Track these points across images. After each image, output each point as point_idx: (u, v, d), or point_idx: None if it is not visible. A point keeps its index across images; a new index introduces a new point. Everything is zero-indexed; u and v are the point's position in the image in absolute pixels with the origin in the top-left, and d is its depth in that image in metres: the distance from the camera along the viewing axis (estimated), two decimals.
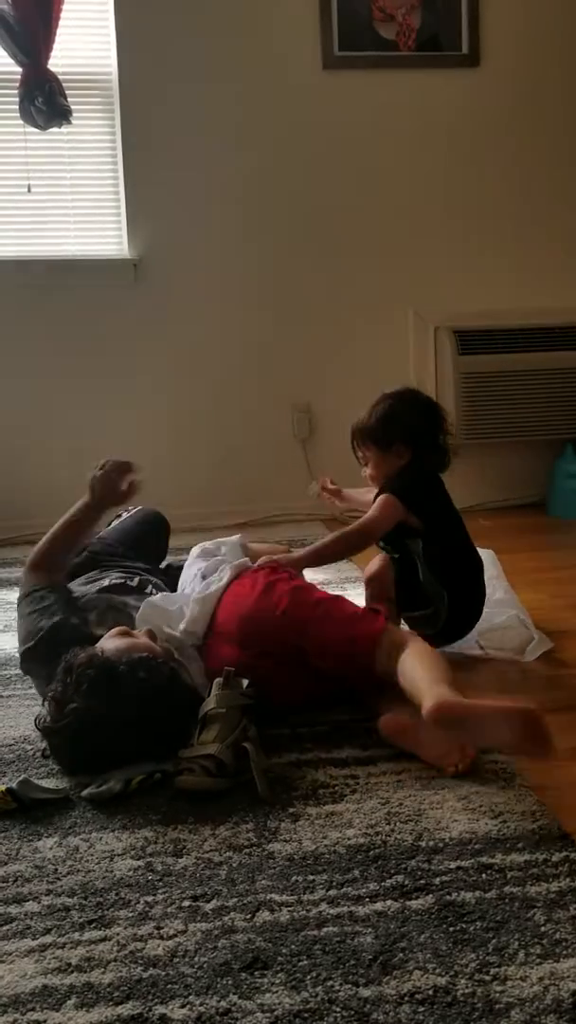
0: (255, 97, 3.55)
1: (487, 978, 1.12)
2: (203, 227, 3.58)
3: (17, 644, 2.02)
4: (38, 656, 1.89)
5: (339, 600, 1.91)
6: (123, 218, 3.57)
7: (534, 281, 3.78)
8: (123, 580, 2.17)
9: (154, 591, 2.18)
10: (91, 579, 2.20)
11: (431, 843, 1.41)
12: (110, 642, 1.79)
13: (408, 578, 2.15)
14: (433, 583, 2.12)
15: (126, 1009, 1.10)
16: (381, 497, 2.14)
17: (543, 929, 1.21)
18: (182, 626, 1.91)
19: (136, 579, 2.20)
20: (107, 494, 2.10)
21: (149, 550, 2.51)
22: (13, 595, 2.82)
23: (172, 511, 2.73)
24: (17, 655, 2.29)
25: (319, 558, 2.16)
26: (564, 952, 1.16)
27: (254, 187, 3.59)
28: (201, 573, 2.05)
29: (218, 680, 1.69)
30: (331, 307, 3.70)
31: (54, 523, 3.44)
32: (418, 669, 1.67)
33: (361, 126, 3.62)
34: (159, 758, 1.64)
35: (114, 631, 1.87)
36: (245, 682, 1.68)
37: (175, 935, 1.23)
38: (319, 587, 2.08)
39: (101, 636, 1.86)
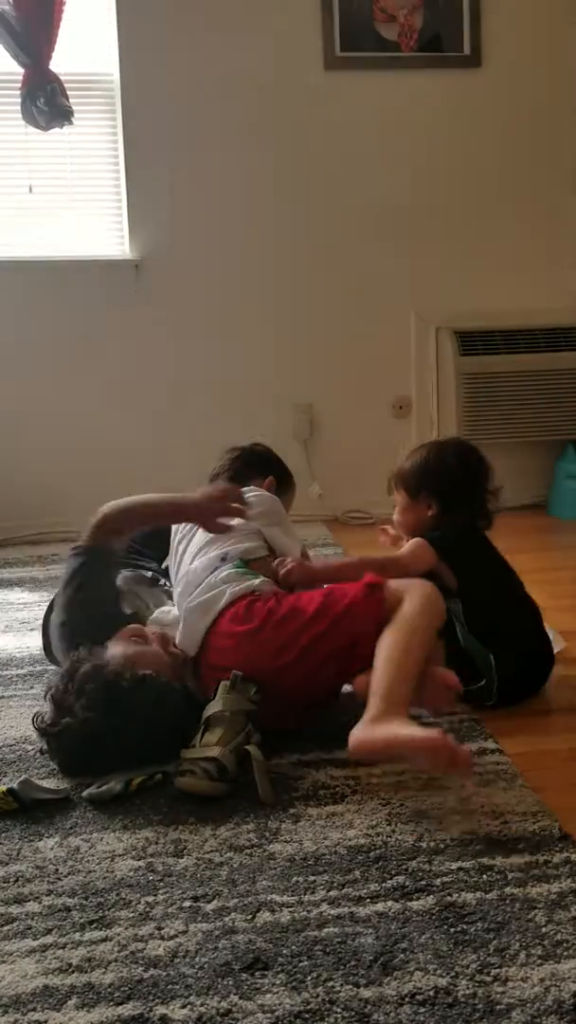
0: (257, 98, 3.55)
1: (488, 979, 1.12)
2: (204, 228, 3.58)
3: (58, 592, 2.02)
4: (75, 613, 1.90)
5: (326, 608, 1.75)
6: (124, 219, 3.57)
7: (535, 282, 3.78)
8: (139, 572, 2.20)
9: (166, 585, 2.19)
10: None
11: (432, 844, 1.41)
12: (119, 647, 1.78)
13: (450, 645, 1.93)
14: (478, 648, 1.92)
15: (127, 1009, 1.10)
16: (412, 540, 2.03)
17: (544, 930, 1.21)
18: (178, 639, 1.88)
19: (150, 573, 2.22)
20: (210, 508, 2.01)
21: (157, 547, 2.52)
22: (14, 595, 2.84)
23: None
24: (13, 652, 2.30)
25: (332, 576, 2.07)
26: (565, 953, 1.16)
27: (255, 188, 3.59)
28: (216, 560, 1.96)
29: (224, 683, 1.67)
30: (332, 307, 3.70)
31: (55, 523, 3.50)
32: (377, 665, 1.64)
33: (363, 127, 3.62)
34: (159, 761, 1.64)
35: (127, 632, 1.85)
36: (253, 688, 1.67)
37: (176, 935, 1.23)
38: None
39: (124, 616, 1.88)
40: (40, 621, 2.56)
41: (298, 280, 3.67)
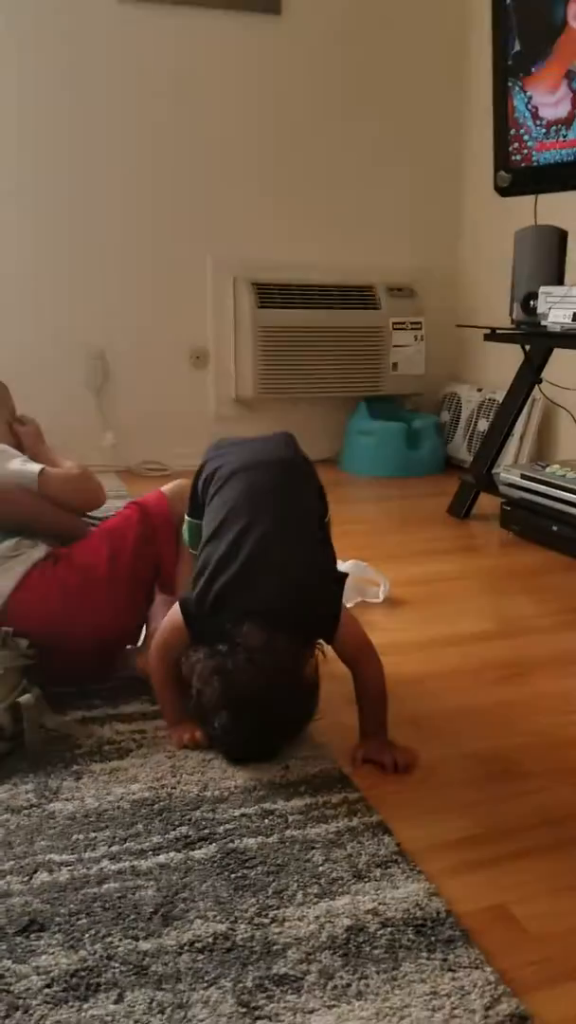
0: (48, 31, 3.34)
1: (266, 921, 1.14)
2: None
3: None
4: None
5: (118, 551, 1.77)
6: None
7: (336, 239, 3.83)
8: None
9: None
10: None
11: (216, 792, 1.42)
12: None
13: None
14: None
15: None
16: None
17: (320, 869, 1.24)
18: None
19: None
20: None
21: None
22: None
23: None
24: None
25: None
26: (339, 890, 1.20)
27: (50, 124, 3.40)
28: None
29: None
30: (128, 249, 3.59)
31: None
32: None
33: (160, 63, 3.51)
34: None
35: None
36: (24, 642, 1.61)
37: None
38: None
39: None
40: None
41: (92, 219, 3.53)
